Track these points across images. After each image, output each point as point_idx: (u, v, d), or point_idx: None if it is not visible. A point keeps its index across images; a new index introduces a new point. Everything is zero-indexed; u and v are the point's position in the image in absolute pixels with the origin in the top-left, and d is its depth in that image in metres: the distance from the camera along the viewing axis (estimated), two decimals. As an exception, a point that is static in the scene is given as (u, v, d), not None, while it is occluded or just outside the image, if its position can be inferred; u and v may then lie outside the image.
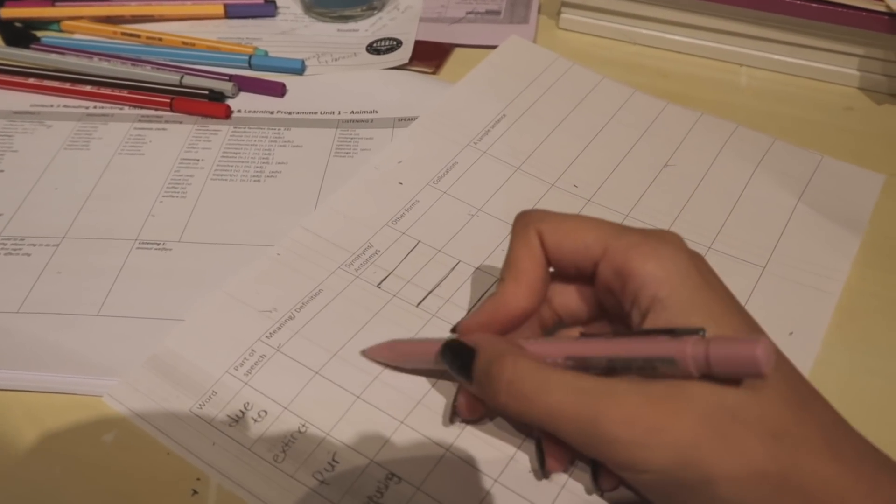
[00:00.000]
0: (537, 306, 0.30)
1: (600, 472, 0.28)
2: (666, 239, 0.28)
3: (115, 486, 0.30)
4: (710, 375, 0.24)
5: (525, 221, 0.30)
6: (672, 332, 0.24)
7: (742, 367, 0.23)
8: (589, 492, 0.29)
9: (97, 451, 0.31)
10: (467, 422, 0.31)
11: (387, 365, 0.33)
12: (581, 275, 0.29)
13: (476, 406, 0.30)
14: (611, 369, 0.26)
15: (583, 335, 0.31)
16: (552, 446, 0.28)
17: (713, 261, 0.29)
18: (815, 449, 0.24)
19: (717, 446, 0.23)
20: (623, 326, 0.29)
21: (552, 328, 0.32)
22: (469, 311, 0.29)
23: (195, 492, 0.30)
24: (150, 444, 0.31)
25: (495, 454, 0.30)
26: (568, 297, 0.31)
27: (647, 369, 0.24)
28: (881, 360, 0.34)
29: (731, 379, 0.24)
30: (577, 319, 0.31)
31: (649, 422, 0.24)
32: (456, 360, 0.29)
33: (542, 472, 0.29)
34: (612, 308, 0.30)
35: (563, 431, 0.26)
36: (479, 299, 0.36)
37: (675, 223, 0.39)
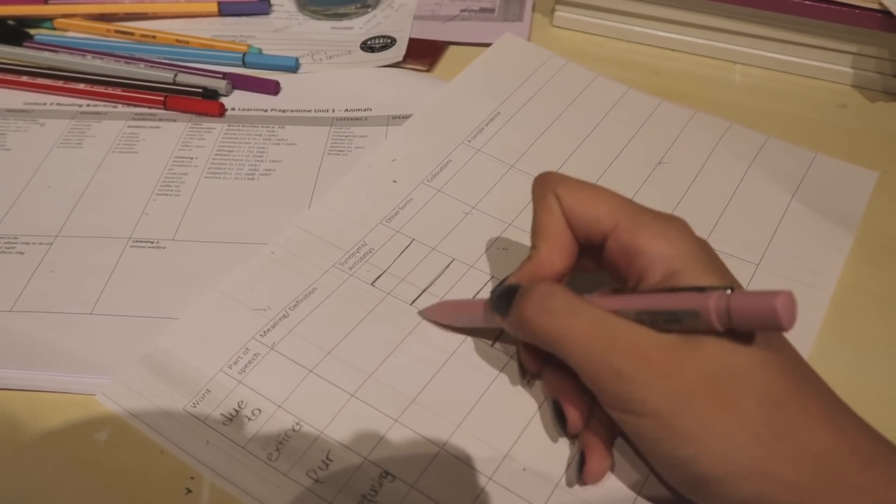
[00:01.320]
0: (571, 268, 0.31)
1: (587, 457, 0.29)
2: (674, 222, 0.28)
3: (108, 485, 0.30)
4: (734, 329, 0.24)
5: (544, 185, 0.31)
6: (700, 289, 0.25)
7: (763, 319, 0.23)
8: (570, 483, 0.29)
9: (90, 449, 0.31)
10: (535, 376, 0.32)
11: (441, 324, 0.34)
12: (589, 244, 0.30)
13: (537, 357, 0.31)
14: (638, 322, 0.26)
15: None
16: (570, 406, 0.29)
17: (706, 258, 0.29)
18: (814, 420, 0.24)
19: (713, 402, 0.24)
20: None
21: None
22: (503, 280, 0.30)
23: (189, 490, 0.30)
24: (143, 442, 0.31)
25: (490, 452, 0.30)
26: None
27: (672, 322, 0.25)
28: (874, 356, 0.34)
29: (747, 340, 0.25)
30: None
31: (657, 364, 0.25)
32: (501, 297, 0.29)
33: (565, 432, 0.30)
34: (616, 282, 0.30)
35: (575, 356, 0.26)
36: (472, 297, 0.36)
37: (669, 221, 0.39)
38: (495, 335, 0.34)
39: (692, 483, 0.25)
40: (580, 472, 0.29)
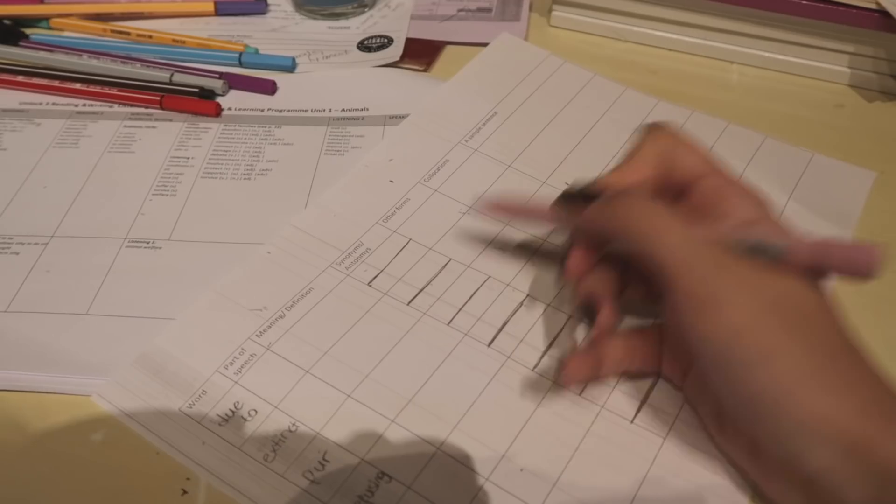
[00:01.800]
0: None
1: (574, 356, 0.31)
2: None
3: (104, 486, 0.30)
4: (817, 268, 0.26)
5: (657, 128, 0.33)
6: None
7: (849, 263, 0.26)
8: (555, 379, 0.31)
9: (86, 450, 0.31)
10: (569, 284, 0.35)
11: (493, 217, 0.37)
12: (671, 188, 0.32)
13: (585, 259, 0.32)
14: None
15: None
16: (606, 308, 0.31)
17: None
18: (866, 370, 0.26)
19: (783, 326, 0.25)
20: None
21: None
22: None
23: (185, 491, 0.29)
24: (139, 443, 0.31)
25: (487, 452, 0.30)
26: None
27: (758, 252, 0.27)
28: (871, 356, 0.34)
29: (817, 288, 0.27)
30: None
31: (737, 276, 0.26)
32: (578, 194, 0.32)
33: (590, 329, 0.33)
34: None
35: (661, 253, 0.28)
36: (469, 297, 0.36)
37: (666, 220, 0.39)
38: (495, 331, 0.34)
39: (748, 390, 0.25)
40: (561, 372, 0.31)
